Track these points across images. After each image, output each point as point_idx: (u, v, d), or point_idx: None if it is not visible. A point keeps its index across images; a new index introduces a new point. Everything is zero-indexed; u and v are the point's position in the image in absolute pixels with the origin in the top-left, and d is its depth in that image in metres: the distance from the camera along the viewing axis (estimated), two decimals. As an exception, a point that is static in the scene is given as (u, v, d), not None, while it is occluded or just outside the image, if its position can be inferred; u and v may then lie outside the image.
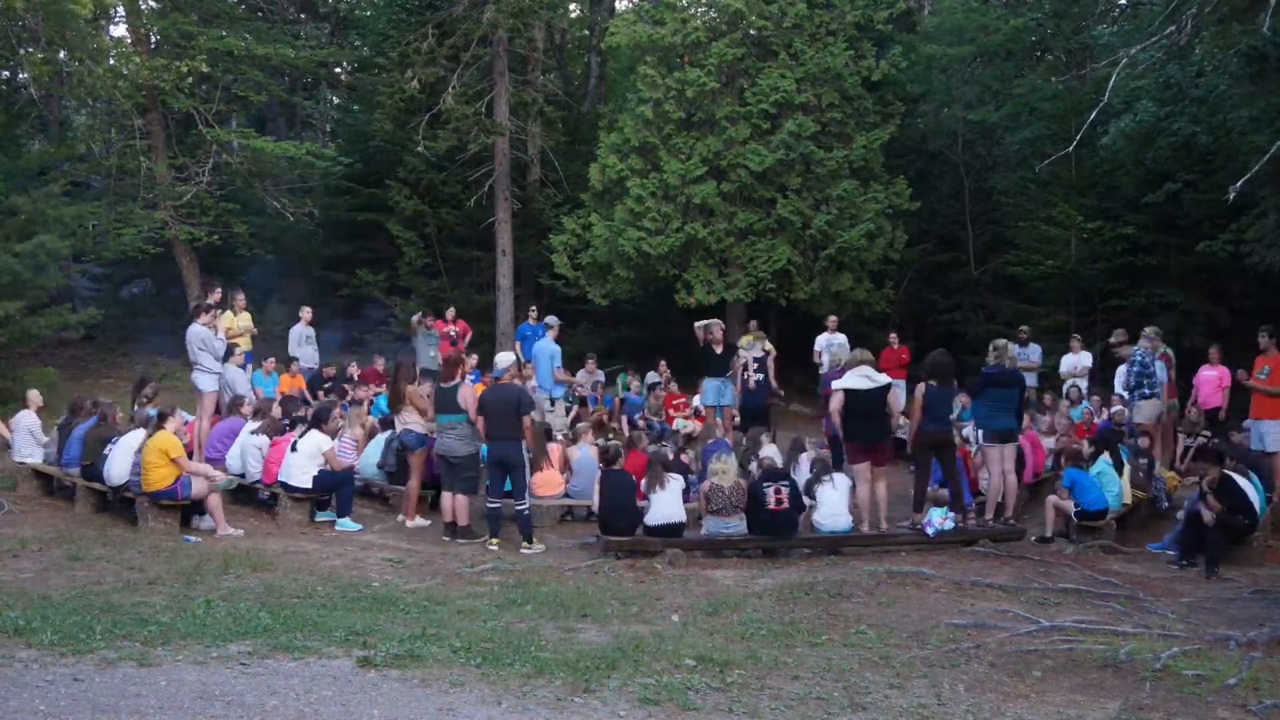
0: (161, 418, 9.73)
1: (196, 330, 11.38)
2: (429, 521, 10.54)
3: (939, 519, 9.82)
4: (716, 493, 9.42)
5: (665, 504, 9.37)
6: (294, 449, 10.28)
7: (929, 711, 5.26)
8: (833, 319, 16.04)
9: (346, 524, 10.26)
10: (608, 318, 20.39)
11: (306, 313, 15.12)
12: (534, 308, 16.66)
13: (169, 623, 6.29)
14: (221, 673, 5.39)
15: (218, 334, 11.80)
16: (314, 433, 10.45)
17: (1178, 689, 5.61)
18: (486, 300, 19.91)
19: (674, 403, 15.51)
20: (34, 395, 11.43)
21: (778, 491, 9.36)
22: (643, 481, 9.75)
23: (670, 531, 9.35)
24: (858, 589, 7.88)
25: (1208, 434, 12.30)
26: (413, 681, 5.38)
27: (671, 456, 10.71)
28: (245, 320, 13.78)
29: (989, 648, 6.35)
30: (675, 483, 9.58)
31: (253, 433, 10.71)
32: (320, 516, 10.49)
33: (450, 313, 16.31)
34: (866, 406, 9.68)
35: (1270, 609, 7.57)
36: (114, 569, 7.99)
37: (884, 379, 9.86)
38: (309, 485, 10.25)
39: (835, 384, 10.00)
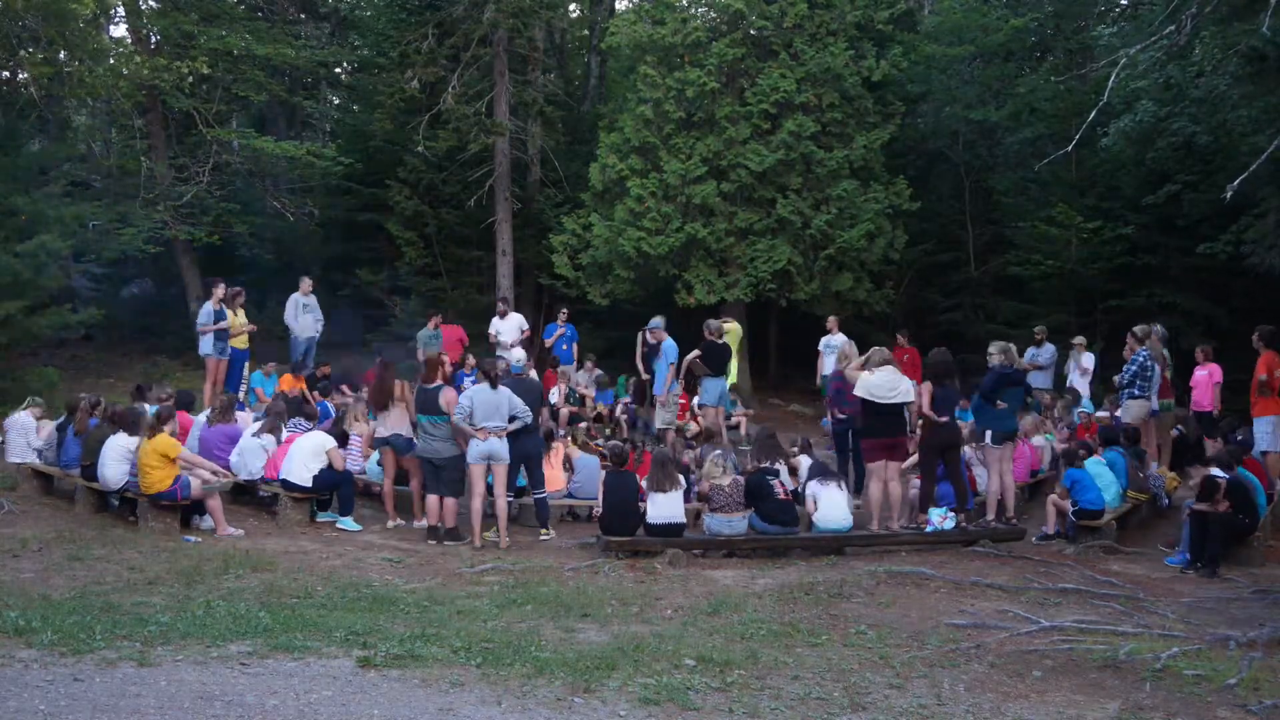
0: (159, 419, 9.70)
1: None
2: (403, 521, 10.58)
3: (938, 518, 9.84)
4: (717, 491, 9.45)
5: (667, 504, 9.37)
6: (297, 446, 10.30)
7: (929, 711, 5.26)
8: (832, 319, 16.02)
9: (348, 523, 10.26)
10: (608, 318, 20.40)
11: (306, 283, 15.05)
12: (564, 310, 16.68)
13: (169, 623, 6.29)
14: (221, 673, 5.40)
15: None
16: (317, 432, 10.44)
17: (1178, 689, 5.61)
18: (487, 300, 19.90)
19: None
20: (38, 403, 11.40)
21: (781, 484, 9.72)
22: (644, 480, 9.76)
23: (671, 531, 9.36)
24: (858, 589, 7.88)
25: (1179, 429, 12.27)
26: (413, 681, 5.39)
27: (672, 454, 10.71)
28: (241, 318, 13.79)
29: (989, 648, 6.36)
30: (682, 484, 9.66)
31: (255, 434, 10.71)
32: (322, 517, 10.48)
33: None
34: (888, 406, 9.76)
35: (1270, 609, 7.58)
36: (114, 569, 7.99)
37: (906, 384, 9.88)
38: (309, 484, 10.25)
39: (857, 390, 9.96)
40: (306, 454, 10.20)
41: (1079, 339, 14.53)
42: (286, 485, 10.27)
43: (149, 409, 10.68)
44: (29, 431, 10.97)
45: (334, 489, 10.43)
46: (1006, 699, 5.48)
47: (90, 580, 7.64)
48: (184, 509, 9.66)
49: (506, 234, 19.44)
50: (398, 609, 7.15)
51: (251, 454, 10.59)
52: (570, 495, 11.23)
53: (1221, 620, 7.25)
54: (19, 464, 10.91)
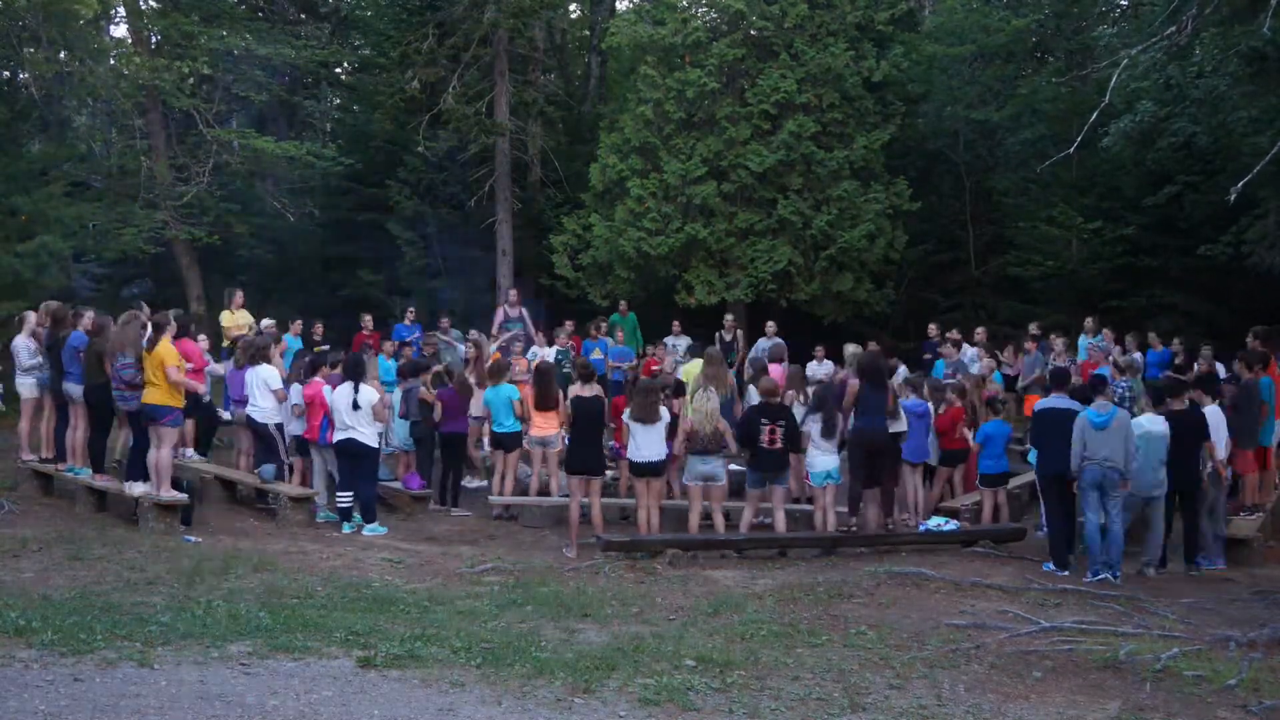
0: (157, 328, 9.46)
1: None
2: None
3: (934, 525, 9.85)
4: (697, 436, 9.49)
5: (649, 439, 9.54)
6: (356, 407, 10.08)
7: (929, 711, 5.26)
8: (675, 323, 15.67)
9: (375, 529, 10.07)
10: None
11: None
12: (600, 321, 15.99)
13: (169, 623, 6.29)
14: (221, 673, 5.40)
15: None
16: (364, 387, 10.16)
17: (1178, 689, 5.61)
18: (487, 300, 19.90)
19: (654, 368, 15.28)
20: (29, 317, 10.97)
21: (772, 431, 9.47)
22: (625, 412, 9.86)
23: (654, 470, 9.57)
24: (858, 589, 7.88)
25: None
26: (413, 681, 5.39)
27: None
28: (244, 318, 13.71)
29: (989, 648, 6.35)
30: (664, 418, 9.71)
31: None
32: (321, 517, 10.45)
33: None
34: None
35: (1270, 609, 7.58)
36: (114, 569, 7.99)
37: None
38: (375, 443, 10.22)
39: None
40: (365, 411, 10.07)
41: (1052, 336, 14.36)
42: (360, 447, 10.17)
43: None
44: (24, 353, 10.54)
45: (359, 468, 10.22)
46: (1006, 699, 5.48)
47: (90, 580, 7.63)
48: (185, 508, 9.64)
49: (506, 234, 19.44)
50: (398, 609, 7.15)
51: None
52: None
53: (1221, 620, 7.26)
54: (20, 465, 10.89)
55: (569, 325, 15.66)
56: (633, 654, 6.04)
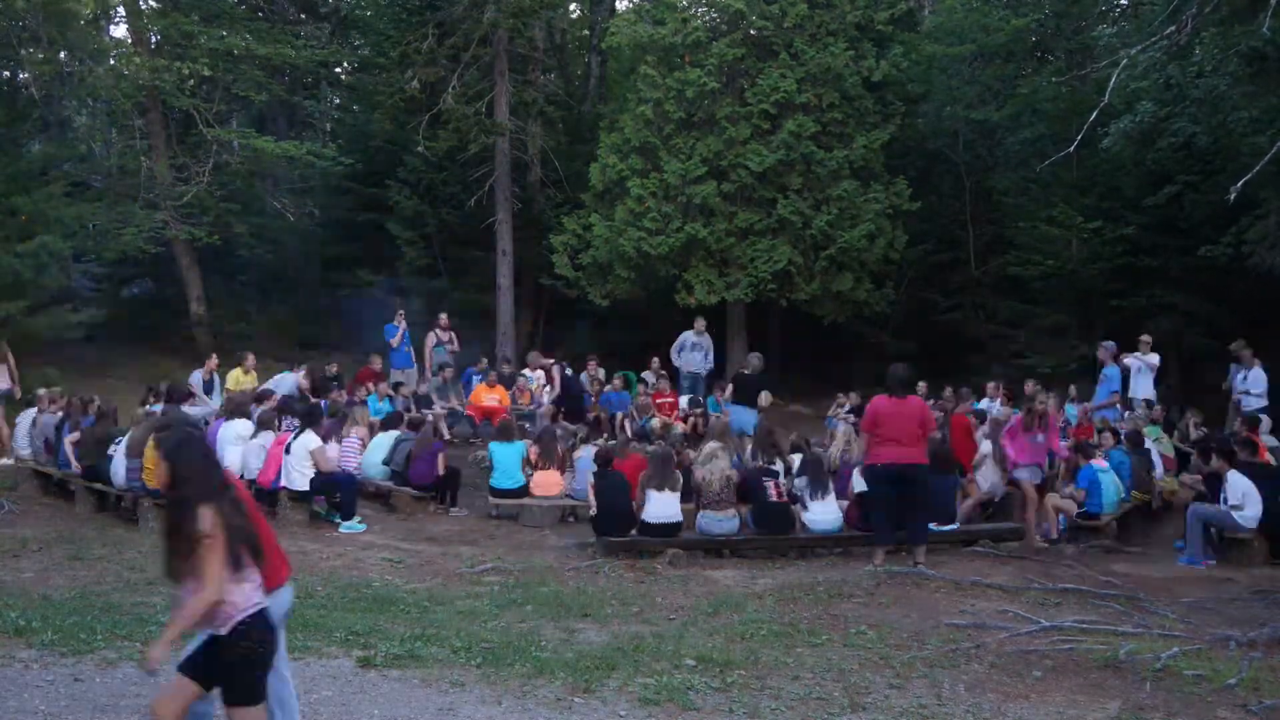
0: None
1: None
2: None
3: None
4: (708, 489, 9.38)
5: (664, 503, 9.32)
6: (288, 451, 10.26)
7: (929, 711, 5.26)
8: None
9: (351, 526, 10.19)
10: (608, 318, 20.39)
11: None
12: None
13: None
14: (221, 673, 5.38)
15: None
16: (306, 433, 10.40)
17: (1178, 689, 5.61)
18: (487, 300, 19.91)
19: (659, 401, 15.29)
20: (43, 395, 11.34)
21: (777, 485, 9.52)
22: (641, 476, 9.66)
23: (668, 531, 9.33)
24: (858, 589, 7.88)
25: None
26: (413, 681, 5.39)
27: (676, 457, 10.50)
28: (250, 382, 13.61)
29: (989, 648, 6.35)
30: (679, 483, 9.55)
31: (253, 436, 10.69)
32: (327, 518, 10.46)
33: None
34: None
35: (1270, 609, 7.58)
36: (114, 569, 8.00)
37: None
38: (306, 487, 10.21)
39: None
40: (298, 457, 10.17)
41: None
42: (288, 490, 10.24)
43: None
44: (32, 427, 10.97)
45: (333, 491, 10.39)
46: (1007, 699, 5.48)
47: (90, 580, 7.64)
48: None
49: (507, 234, 19.43)
50: (398, 609, 7.15)
51: (254, 453, 10.57)
52: (569, 496, 11.20)
53: (1221, 620, 7.25)
54: (19, 464, 10.92)
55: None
56: (633, 654, 6.04)
